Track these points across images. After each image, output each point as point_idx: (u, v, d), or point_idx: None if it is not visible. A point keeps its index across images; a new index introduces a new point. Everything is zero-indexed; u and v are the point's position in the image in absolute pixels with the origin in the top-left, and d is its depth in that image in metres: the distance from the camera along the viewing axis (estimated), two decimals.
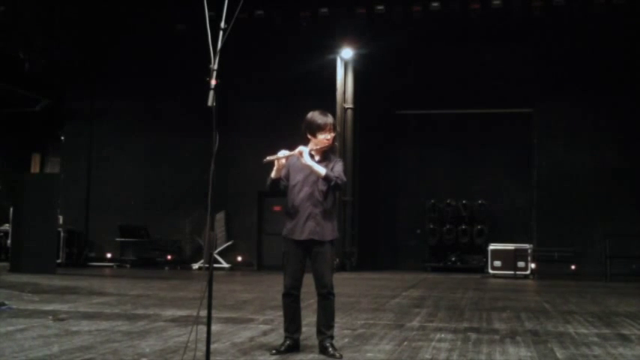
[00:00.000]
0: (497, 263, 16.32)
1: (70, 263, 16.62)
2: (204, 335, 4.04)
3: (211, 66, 4.06)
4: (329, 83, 17.01)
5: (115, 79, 18.27)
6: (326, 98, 16.22)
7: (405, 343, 5.77)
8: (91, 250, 18.06)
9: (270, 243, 16.89)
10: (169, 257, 17.60)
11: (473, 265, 17.92)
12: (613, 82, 16.26)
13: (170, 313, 7.51)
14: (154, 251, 17.71)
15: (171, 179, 17.90)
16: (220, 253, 16.98)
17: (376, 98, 18.59)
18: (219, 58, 4.08)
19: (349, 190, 17.42)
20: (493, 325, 7.07)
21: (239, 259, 17.44)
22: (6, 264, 14.81)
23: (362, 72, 17.73)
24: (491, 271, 16.34)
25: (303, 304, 5.24)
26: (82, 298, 9.07)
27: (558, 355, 5.35)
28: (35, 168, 20.91)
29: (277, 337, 5.71)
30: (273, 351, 5.10)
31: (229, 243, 17.33)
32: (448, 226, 18.28)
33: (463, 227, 18.18)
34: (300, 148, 5.05)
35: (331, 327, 5.10)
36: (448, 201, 18.43)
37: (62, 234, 16.36)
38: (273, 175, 5.10)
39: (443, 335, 6.24)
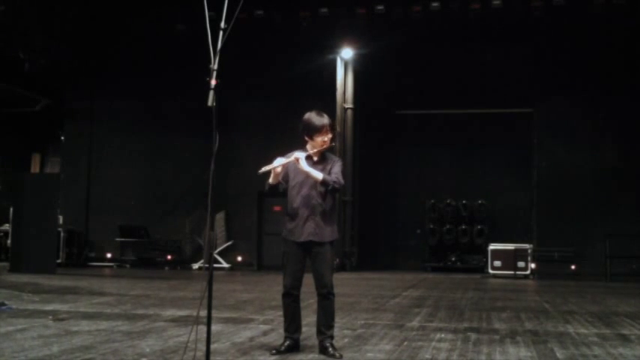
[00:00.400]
0: (497, 263, 16.32)
1: (70, 263, 16.61)
2: (204, 335, 4.04)
3: (211, 66, 4.06)
4: (329, 83, 17.01)
5: (115, 79, 18.26)
6: (326, 98, 16.22)
7: (405, 343, 5.77)
8: (91, 250, 18.05)
9: (270, 243, 16.89)
10: (169, 257, 17.59)
11: (473, 265, 17.92)
12: (613, 82, 16.25)
13: (170, 313, 7.51)
14: (153, 251, 17.71)
15: (171, 179, 17.90)
16: (220, 253, 16.97)
17: (376, 98, 18.60)
18: (219, 58, 4.08)
19: (349, 190, 17.43)
20: (493, 325, 7.07)
21: (239, 259, 17.43)
22: (6, 264, 14.81)
23: (362, 72, 17.74)
24: (491, 271, 16.34)
25: (303, 304, 5.25)
26: (82, 298, 9.07)
27: (558, 355, 5.35)
28: (35, 168, 20.91)
29: (277, 337, 5.71)
30: (273, 351, 5.10)
31: (229, 243, 17.33)
32: (448, 226, 18.29)
33: (463, 227, 18.18)
34: (296, 154, 5.05)
35: (331, 327, 5.11)
36: (448, 201, 18.43)
37: (62, 234, 16.36)
38: (271, 181, 5.13)
39: (443, 335, 6.24)
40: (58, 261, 15.25)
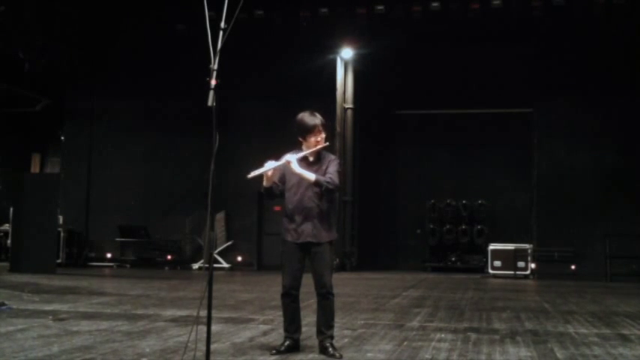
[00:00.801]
0: (497, 263, 16.31)
1: (70, 263, 16.60)
2: (204, 335, 4.04)
3: (211, 66, 4.06)
4: (329, 83, 17.01)
5: (115, 79, 18.26)
6: (326, 98, 16.23)
7: (405, 343, 5.77)
8: (91, 250, 18.05)
9: (270, 243, 16.87)
10: (169, 257, 17.59)
11: (473, 265, 17.92)
12: (613, 82, 16.24)
13: (170, 313, 7.51)
14: (153, 251, 17.70)
15: (171, 179, 17.90)
16: (220, 253, 16.97)
17: (376, 98, 18.60)
18: (219, 58, 4.08)
19: (349, 190, 17.43)
20: (493, 325, 7.07)
21: (239, 259, 17.43)
22: (6, 264, 14.81)
23: (362, 72, 17.73)
24: (491, 271, 16.33)
25: (302, 304, 5.25)
26: (82, 298, 9.07)
27: (558, 355, 5.35)
28: (35, 168, 20.90)
29: (277, 337, 5.71)
30: (273, 351, 5.10)
31: (229, 243, 17.33)
32: (448, 226, 18.29)
33: (463, 227, 18.19)
34: (287, 157, 5.04)
35: (331, 327, 5.10)
36: (448, 201, 18.44)
37: (62, 234, 16.35)
38: (265, 184, 5.11)
39: (443, 335, 6.24)
40: (58, 261, 15.23)
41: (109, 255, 17.86)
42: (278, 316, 6.51)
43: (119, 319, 6.94)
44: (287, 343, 5.12)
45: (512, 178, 18.27)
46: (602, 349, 5.63)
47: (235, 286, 11.99)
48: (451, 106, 18.54)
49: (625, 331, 6.79)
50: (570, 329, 6.87)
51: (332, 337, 5.10)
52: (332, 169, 5.08)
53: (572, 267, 16.24)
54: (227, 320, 6.95)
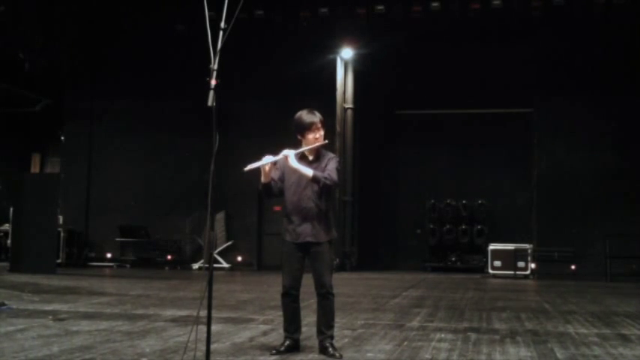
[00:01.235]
0: (497, 263, 16.31)
1: (70, 263, 16.60)
2: (204, 335, 4.04)
3: (211, 66, 4.06)
4: (329, 83, 17.00)
5: (115, 79, 18.25)
6: (326, 98, 16.23)
7: (405, 343, 5.77)
8: (91, 250, 18.04)
9: (270, 243, 16.87)
10: (169, 257, 17.59)
11: (473, 265, 17.92)
12: (613, 82, 16.24)
13: (170, 313, 7.51)
14: (154, 251, 17.70)
15: (171, 179, 17.89)
16: (220, 253, 16.96)
17: (376, 98, 18.60)
18: (219, 58, 4.08)
19: (349, 190, 17.43)
20: (493, 325, 7.07)
21: (239, 259, 17.43)
22: (6, 264, 14.81)
23: (362, 72, 17.74)
24: (491, 271, 16.33)
25: (303, 304, 5.24)
26: (82, 298, 9.07)
27: (558, 355, 5.35)
28: (35, 168, 20.91)
29: (277, 337, 5.71)
30: (273, 351, 5.10)
31: (229, 243, 17.32)
32: (448, 226, 18.29)
33: (463, 227, 18.18)
34: (285, 151, 5.03)
35: (331, 327, 5.10)
36: (448, 201, 18.43)
37: (62, 234, 16.35)
38: (262, 180, 5.09)
39: (443, 335, 6.24)
40: (58, 261, 15.23)
41: (109, 255, 17.85)
42: (278, 316, 6.51)
43: (119, 319, 6.94)
44: (287, 343, 5.12)
45: (512, 178, 18.28)
46: (602, 349, 5.63)
47: (235, 286, 11.99)
48: (451, 106, 18.54)
49: (625, 331, 6.79)
50: (570, 329, 6.87)
51: (332, 337, 5.10)
52: (331, 166, 5.07)
53: (572, 267, 16.25)
54: (227, 320, 6.95)
